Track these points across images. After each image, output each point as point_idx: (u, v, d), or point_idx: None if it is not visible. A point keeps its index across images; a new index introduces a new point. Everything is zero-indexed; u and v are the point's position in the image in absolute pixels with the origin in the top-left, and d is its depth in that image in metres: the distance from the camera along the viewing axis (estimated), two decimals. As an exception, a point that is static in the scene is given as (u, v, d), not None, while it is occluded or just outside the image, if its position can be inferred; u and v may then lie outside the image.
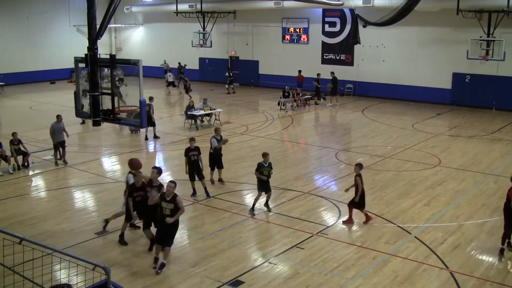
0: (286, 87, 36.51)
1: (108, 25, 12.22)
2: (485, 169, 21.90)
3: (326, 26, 43.29)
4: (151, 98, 27.00)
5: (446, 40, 37.29)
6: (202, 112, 29.33)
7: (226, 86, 43.14)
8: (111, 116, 12.07)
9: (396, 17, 31.40)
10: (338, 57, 42.97)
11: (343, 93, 40.76)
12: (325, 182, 20.05)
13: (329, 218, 16.21)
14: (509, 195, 13.05)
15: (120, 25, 54.55)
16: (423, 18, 36.24)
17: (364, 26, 37.02)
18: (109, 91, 11.94)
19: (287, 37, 45.49)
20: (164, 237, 12.62)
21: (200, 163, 17.89)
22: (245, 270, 12.61)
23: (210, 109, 29.88)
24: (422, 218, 16.13)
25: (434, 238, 14.60)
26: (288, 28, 45.24)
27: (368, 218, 15.73)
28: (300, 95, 37.06)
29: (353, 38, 39.48)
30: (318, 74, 38.83)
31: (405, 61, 39.37)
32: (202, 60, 50.62)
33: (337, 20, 42.51)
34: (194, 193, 17.99)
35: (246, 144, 25.47)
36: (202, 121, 29.88)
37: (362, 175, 15.71)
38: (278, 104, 35.85)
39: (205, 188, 17.97)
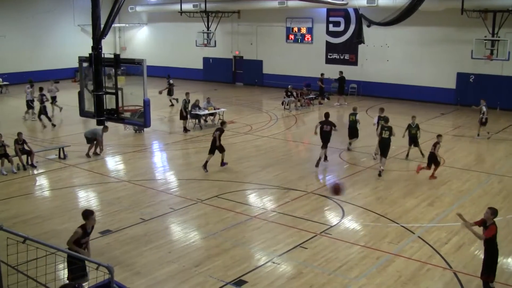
0: (289, 86, 36.51)
1: (113, 25, 12.24)
2: (489, 169, 21.86)
3: (330, 25, 43.27)
4: (187, 94, 28.88)
5: (451, 40, 37.22)
6: (206, 111, 29.34)
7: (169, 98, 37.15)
8: (115, 115, 12.08)
9: (400, 16, 31.37)
10: (342, 57, 42.94)
11: (347, 93, 40.73)
12: (329, 182, 20.03)
13: (333, 217, 16.20)
14: None
15: (124, 24, 54.59)
16: (428, 18, 36.17)
17: (368, 26, 36.96)
18: (113, 91, 11.97)
19: (291, 36, 45.47)
20: None
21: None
22: (248, 269, 12.61)
23: (214, 109, 29.90)
24: (425, 218, 16.11)
25: (438, 238, 14.58)
26: (292, 28, 45.23)
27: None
28: (305, 95, 37.04)
29: (357, 38, 39.44)
30: (322, 74, 38.86)
31: (410, 61, 39.31)
32: (206, 60, 50.63)
33: (341, 20, 42.48)
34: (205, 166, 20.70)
35: (250, 144, 25.49)
36: (205, 120, 29.89)
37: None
38: (282, 103, 35.86)
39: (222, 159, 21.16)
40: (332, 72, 39.40)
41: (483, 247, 11.52)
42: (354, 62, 42.34)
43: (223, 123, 22.20)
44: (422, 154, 22.94)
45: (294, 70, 44.34)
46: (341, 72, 38.60)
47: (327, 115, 22.68)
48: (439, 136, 20.38)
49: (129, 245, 14.02)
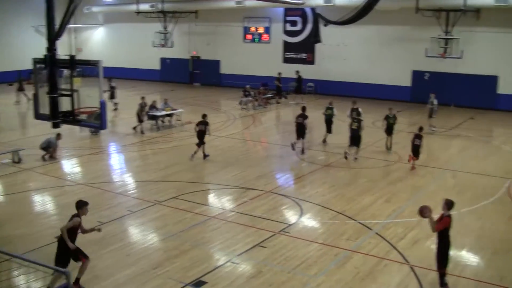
0: (247, 86, 36.59)
1: (68, 26, 12.10)
2: (444, 164, 22.31)
3: (288, 25, 43.58)
4: (142, 98, 28.64)
5: (406, 38, 37.85)
6: (163, 112, 29.16)
7: None
8: (71, 117, 11.95)
9: (356, 16, 31.71)
10: (299, 56, 43.23)
11: (304, 92, 41.00)
12: (287, 181, 20.15)
13: (291, 216, 16.29)
14: None
15: (80, 25, 53.85)
16: (384, 17, 36.68)
17: (325, 25, 37.38)
18: (69, 92, 11.84)
19: (249, 36, 45.61)
20: None
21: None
22: (207, 270, 12.57)
23: (172, 110, 29.74)
24: (383, 215, 16.34)
25: (394, 234, 14.80)
26: (250, 28, 45.39)
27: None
28: (263, 94, 37.15)
29: (314, 37, 39.85)
30: (279, 73, 39.01)
31: (366, 59, 39.81)
32: (163, 60, 50.38)
33: (299, 19, 42.82)
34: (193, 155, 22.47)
35: (208, 144, 25.30)
36: (163, 121, 29.69)
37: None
38: (240, 103, 35.89)
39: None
40: (289, 71, 39.59)
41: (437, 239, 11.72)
42: (311, 61, 42.70)
43: (205, 115, 23.19)
44: (389, 147, 24.30)
45: (251, 69, 44.46)
46: (297, 72, 38.83)
47: (303, 109, 24.43)
48: (421, 129, 21.71)
49: (88, 249, 13.77)
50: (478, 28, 35.63)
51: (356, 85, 39.63)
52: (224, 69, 47.42)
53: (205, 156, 22.74)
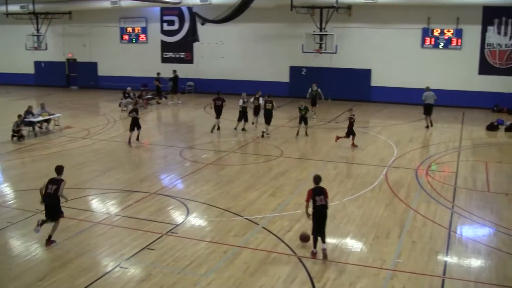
0: (127, 88, 36.02)
1: None
2: (325, 156, 22.99)
3: (165, 24, 43.36)
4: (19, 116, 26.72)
5: (283, 35, 38.71)
6: (40, 118, 28.08)
7: None
8: None
9: (233, 14, 32.08)
10: (178, 56, 43.12)
11: (184, 91, 40.96)
12: (172, 181, 20.01)
13: (178, 216, 16.20)
14: None
15: None
16: (260, 14, 37.29)
17: (203, 24, 37.53)
18: None
19: (126, 37, 44.94)
20: None
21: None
22: (96, 277, 12.24)
23: (49, 115, 28.69)
24: (268, 209, 16.60)
25: (281, 227, 15.07)
26: (126, 28, 44.72)
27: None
28: (143, 95, 36.74)
29: (192, 36, 39.95)
30: (158, 73, 38.72)
31: (244, 57, 40.33)
32: (37, 64, 48.60)
33: (176, 18, 42.72)
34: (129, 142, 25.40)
35: (88, 149, 24.79)
36: (40, 127, 28.56)
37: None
38: (120, 105, 35.28)
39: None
40: (169, 71, 39.33)
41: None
42: (190, 60, 42.75)
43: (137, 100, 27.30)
44: (307, 134, 26.86)
45: (130, 70, 43.84)
46: (174, 71, 38.69)
47: (219, 92, 28.78)
48: (351, 110, 25.16)
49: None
50: (351, 24, 37.14)
51: (236, 82, 39.99)
52: (102, 71, 46.40)
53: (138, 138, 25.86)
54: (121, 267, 12.75)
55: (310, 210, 13.23)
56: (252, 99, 28.02)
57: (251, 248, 13.69)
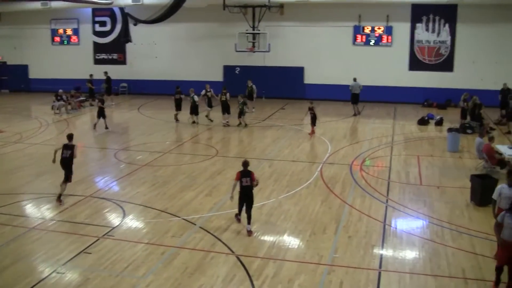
0: (59, 90, 35.33)
1: None
2: (260, 154, 23.18)
3: (97, 25, 42.78)
4: None
5: (216, 35, 38.76)
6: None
7: None
8: None
9: (165, 14, 31.95)
10: (110, 57, 42.61)
11: (117, 92, 40.52)
12: (107, 183, 19.77)
13: (114, 219, 16.03)
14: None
15: None
16: (193, 14, 37.25)
17: (135, 24, 37.26)
18: None
19: (57, 39, 44.08)
20: None
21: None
22: (32, 284, 11.98)
23: (-23, 119, 27.96)
24: (205, 209, 16.63)
25: (218, 226, 15.13)
26: (57, 30, 43.84)
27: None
28: (76, 98, 36.15)
29: (124, 36, 39.57)
30: (91, 75, 38.15)
31: (178, 56, 40.19)
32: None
33: (108, 19, 42.18)
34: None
35: (21, 153, 24.21)
36: (-31, 132, 27.84)
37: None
38: (52, 108, 34.60)
39: None
40: (102, 73, 38.76)
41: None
42: (123, 61, 42.29)
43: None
44: (246, 125, 28.59)
45: (62, 73, 43.02)
46: (106, 73, 38.22)
47: (177, 86, 31.11)
48: (311, 102, 27.45)
49: None
50: (283, 23, 37.53)
51: (169, 83, 39.64)
52: (33, 74, 45.30)
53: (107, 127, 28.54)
54: (57, 273, 12.54)
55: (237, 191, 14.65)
56: (203, 92, 30.42)
57: (189, 248, 13.70)
